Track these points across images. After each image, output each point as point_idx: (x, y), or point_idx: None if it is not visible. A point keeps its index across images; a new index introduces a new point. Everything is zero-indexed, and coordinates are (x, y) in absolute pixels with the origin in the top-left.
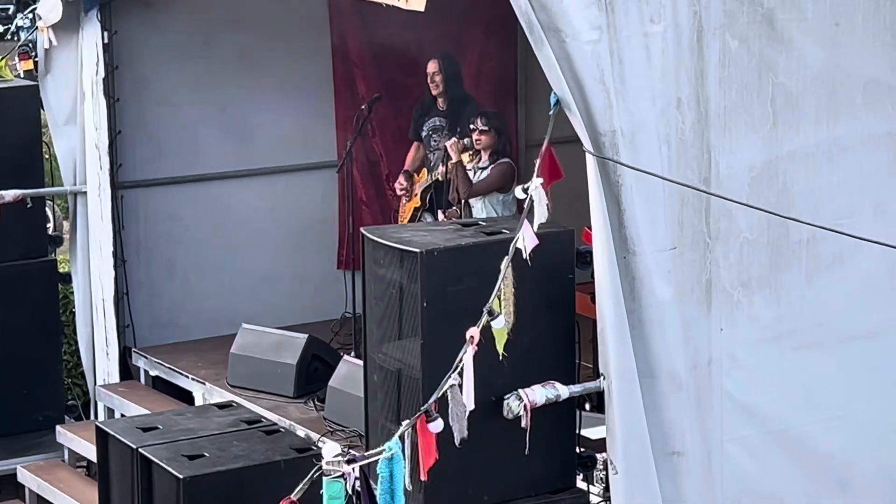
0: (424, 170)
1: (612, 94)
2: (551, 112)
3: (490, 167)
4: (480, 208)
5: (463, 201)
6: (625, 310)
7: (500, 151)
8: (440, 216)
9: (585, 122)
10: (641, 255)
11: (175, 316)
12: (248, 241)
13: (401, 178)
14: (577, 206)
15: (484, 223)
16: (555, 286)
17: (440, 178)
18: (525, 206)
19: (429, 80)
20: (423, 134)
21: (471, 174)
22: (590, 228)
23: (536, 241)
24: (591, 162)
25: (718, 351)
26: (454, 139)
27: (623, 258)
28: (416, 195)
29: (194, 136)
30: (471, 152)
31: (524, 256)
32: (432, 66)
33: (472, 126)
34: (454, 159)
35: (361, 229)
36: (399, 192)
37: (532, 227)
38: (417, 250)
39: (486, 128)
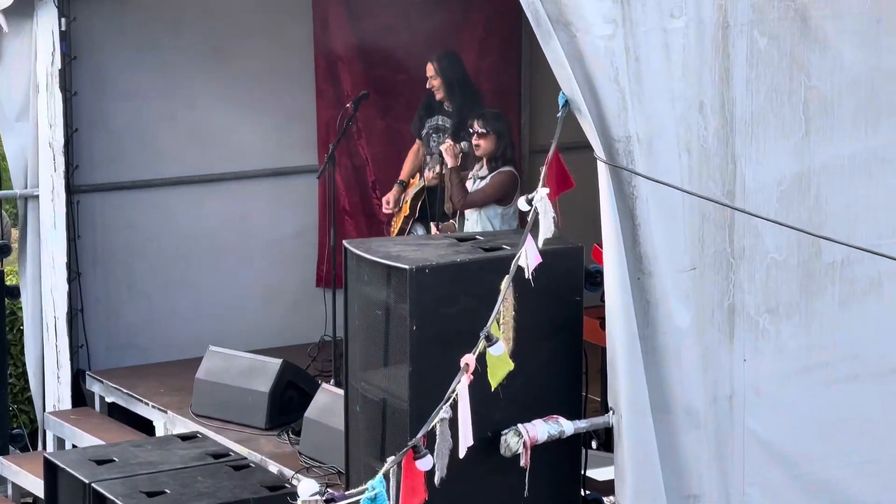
0: (416, 175)
1: (626, 95)
2: (559, 114)
3: (489, 175)
4: (475, 221)
5: (458, 213)
6: (638, 337)
7: (500, 158)
8: (433, 229)
9: (597, 127)
10: (657, 275)
11: (134, 336)
12: (217, 253)
13: (391, 194)
14: (587, 221)
15: (482, 238)
16: (560, 309)
17: (431, 183)
18: (529, 219)
19: (431, 83)
20: (424, 133)
21: (469, 183)
22: (600, 245)
23: (540, 259)
24: (602, 171)
25: (741, 384)
26: (449, 142)
27: (637, 279)
28: (405, 202)
29: (159, 136)
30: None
31: (527, 275)
32: (428, 70)
33: (469, 129)
34: (450, 164)
35: (344, 242)
36: (385, 211)
37: (536, 242)
38: (406, 266)
39: (484, 131)
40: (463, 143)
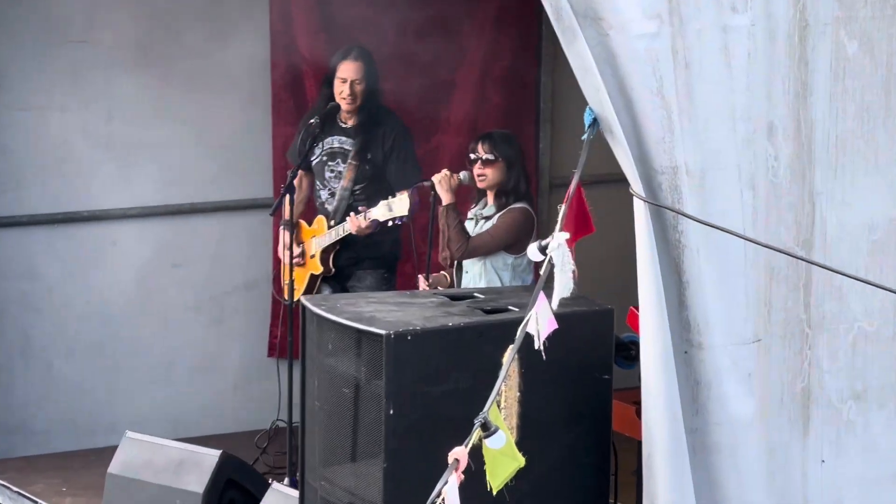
0: (320, 217)
1: (673, 112)
2: (585, 136)
3: (497, 215)
4: (478, 274)
5: (455, 263)
6: (684, 429)
7: (511, 192)
8: (421, 283)
9: (634, 153)
10: (710, 348)
11: (30, 417)
12: (140, 311)
13: (283, 237)
14: (620, 275)
15: (482, 295)
16: (583, 391)
17: (363, 232)
18: (542, 272)
19: (341, 88)
20: (314, 161)
21: (470, 225)
22: (636, 307)
23: (556, 325)
24: (640, 211)
25: (817, 491)
26: (445, 172)
27: (684, 353)
28: (312, 256)
29: (68, 157)
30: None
31: (537, 346)
32: (350, 70)
33: (471, 154)
34: (445, 201)
35: (302, 298)
36: (288, 261)
37: (550, 303)
38: (383, 332)
39: (491, 156)
40: (462, 174)
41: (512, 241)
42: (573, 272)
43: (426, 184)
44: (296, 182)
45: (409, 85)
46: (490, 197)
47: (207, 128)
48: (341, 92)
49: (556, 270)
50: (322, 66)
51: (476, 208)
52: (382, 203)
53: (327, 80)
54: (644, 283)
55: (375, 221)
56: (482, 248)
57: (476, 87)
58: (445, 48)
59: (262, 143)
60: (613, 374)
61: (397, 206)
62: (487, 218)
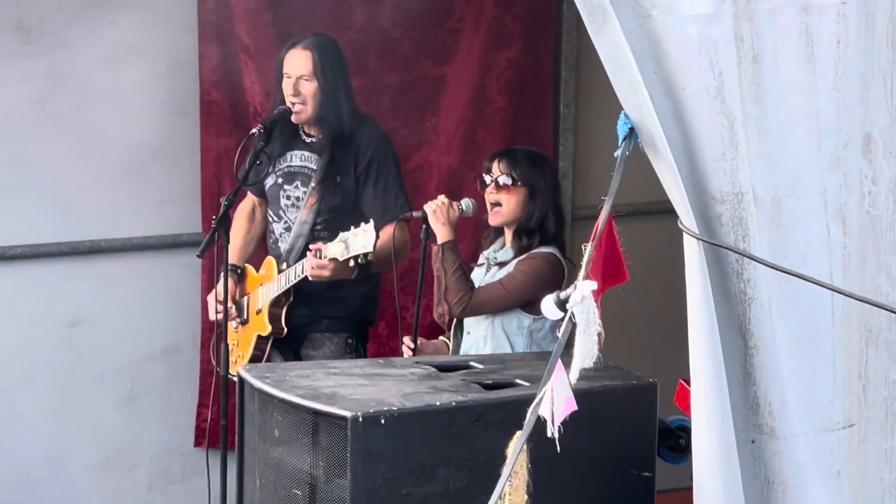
0: (270, 260)
1: (737, 120)
2: (618, 152)
3: (515, 260)
4: (483, 337)
5: (454, 321)
6: None
7: (535, 231)
8: (405, 349)
9: (684, 175)
10: (786, 437)
11: None
12: (22, 384)
13: (222, 287)
14: (664, 338)
15: (481, 365)
16: (615, 494)
17: (317, 276)
18: (560, 333)
19: (287, 90)
20: (269, 184)
21: (479, 273)
22: (687, 381)
23: (575, 406)
24: (692, 252)
25: None
26: (441, 199)
27: (750, 442)
28: (258, 312)
29: None
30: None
31: (550, 433)
32: (296, 62)
33: (484, 174)
34: (441, 238)
35: (240, 369)
36: (223, 318)
37: (570, 376)
38: (347, 414)
39: (509, 179)
40: (464, 202)
41: (531, 296)
42: (599, 334)
43: (415, 215)
44: (244, 210)
45: (381, 83)
46: (508, 236)
47: (113, 140)
48: (287, 92)
49: (577, 332)
50: (268, 58)
51: (490, 250)
52: (341, 236)
53: (277, 77)
54: (698, 348)
55: (335, 262)
56: (491, 304)
57: (473, 85)
58: (432, 34)
59: (188, 161)
60: (657, 471)
61: (358, 241)
62: (502, 264)
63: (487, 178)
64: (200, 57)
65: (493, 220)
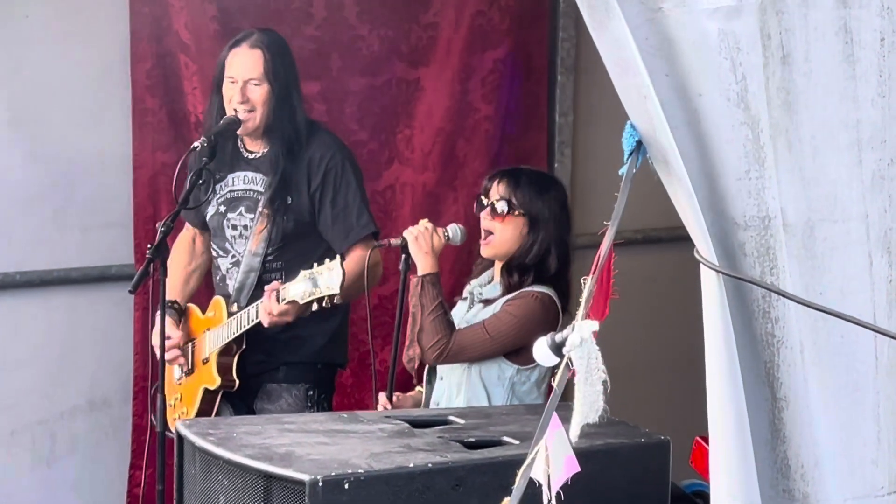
0: (218, 300)
1: (764, 132)
2: (623, 169)
3: (503, 300)
4: (457, 385)
5: (427, 370)
6: None
7: (532, 268)
8: (381, 403)
9: (702, 196)
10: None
11: None
12: None
13: (168, 329)
14: (679, 387)
15: (461, 420)
16: None
17: (276, 320)
18: (555, 382)
19: (231, 93)
20: (210, 213)
21: (459, 309)
22: (705, 439)
23: (577, 467)
24: (711, 286)
25: None
26: (424, 224)
27: None
28: (205, 361)
29: None
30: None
31: (547, 500)
32: (243, 63)
33: (482, 196)
34: (422, 269)
35: (178, 424)
36: (172, 361)
37: (569, 432)
38: (305, 477)
39: (505, 204)
40: (450, 228)
41: (518, 343)
42: (604, 383)
43: (393, 242)
44: (183, 240)
45: (345, 87)
46: (496, 270)
47: (28, 156)
48: (231, 99)
49: (578, 380)
50: (209, 56)
51: (474, 283)
52: (303, 274)
53: (216, 81)
54: (717, 399)
55: (296, 305)
56: (471, 351)
57: (453, 91)
58: (405, 30)
59: (117, 179)
60: None
61: (322, 280)
62: (488, 302)
63: (484, 201)
64: (132, 57)
65: (485, 250)
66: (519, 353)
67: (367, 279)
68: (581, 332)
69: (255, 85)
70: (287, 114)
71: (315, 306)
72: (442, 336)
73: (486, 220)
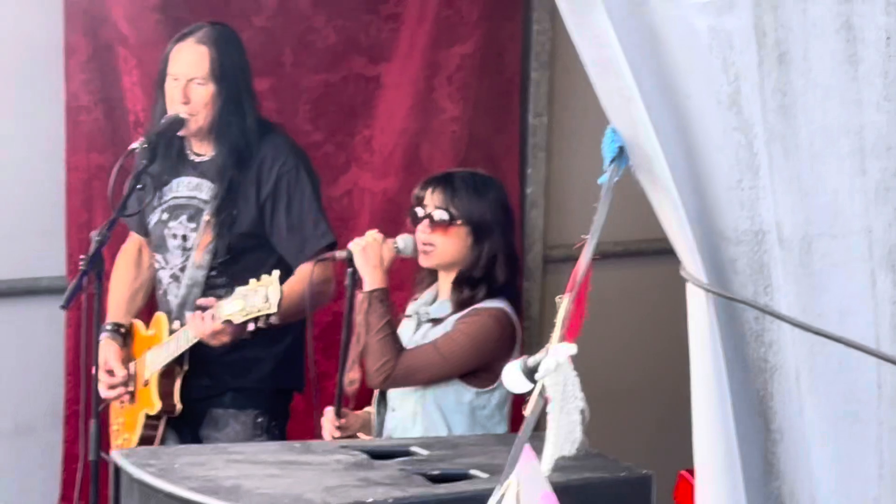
0: (159, 317)
1: (758, 138)
2: (604, 178)
3: (453, 317)
4: (412, 415)
5: (378, 395)
6: None
7: (481, 281)
8: (328, 425)
9: (690, 208)
10: None
11: None
12: None
13: (106, 353)
14: (662, 415)
15: (424, 451)
16: None
17: (217, 339)
18: (527, 410)
19: (173, 91)
20: (153, 221)
21: (407, 328)
22: (690, 472)
23: (553, 501)
24: (699, 306)
25: None
26: (372, 235)
27: None
28: (146, 383)
29: None
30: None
31: None
32: (187, 60)
33: (416, 207)
34: (369, 284)
35: (112, 453)
36: (109, 393)
37: (543, 464)
38: None
39: (446, 215)
40: (400, 239)
41: (474, 364)
42: (582, 411)
43: (338, 255)
44: (129, 252)
45: (298, 84)
46: (443, 285)
47: None
48: (172, 99)
49: (552, 408)
50: (151, 47)
51: (419, 301)
52: (239, 291)
53: (160, 78)
54: (704, 430)
55: (230, 324)
56: (422, 374)
57: (417, 88)
58: (364, 22)
59: (49, 184)
60: None
61: (258, 298)
62: (436, 321)
63: (419, 211)
64: (66, 48)
65: (425, 260)
66: (476, 374)
67: (308, 297)
68: (556, 356)
69: (199, 85)
70: (236, 117)
71: (252, 326)
72: (389, 358)
73: (424, 234)
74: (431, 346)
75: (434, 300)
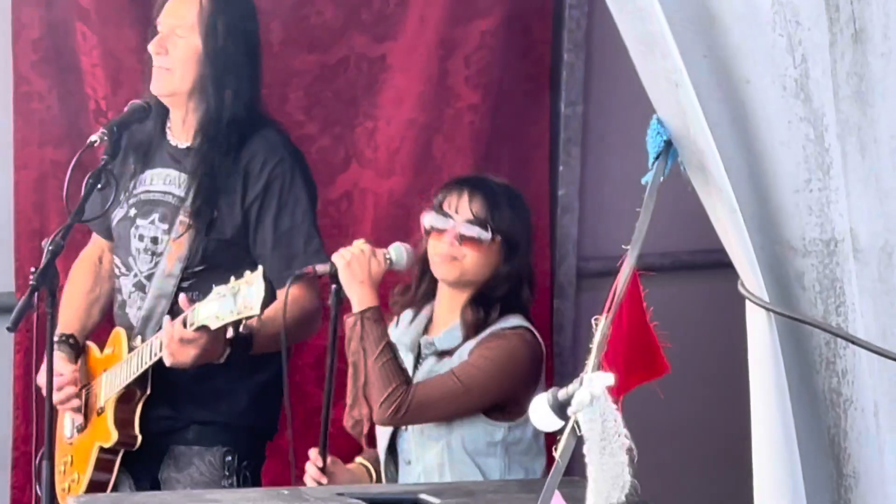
0: (118, 332)
1: (829, 131)
2: (648, 177)
3: (467, 345)
4: (437, 466)
5: (383, 453)
6: None
7: (502, 299)
8: (312, 469)
9: (749, 213)
10: None
11: None
12: None
13: (61, 373)
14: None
15: (436, 500)
16: None
17: (177, 360)
18: (558, 451)
19: (151, 47)
20: (117, 218)
21: (411, 360)
22: None
23: None
24: (761, 327)
25: None
26: (359, 246)
27: None
28: (101, 411)
29: None
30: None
31: None
32: (177, 11)
33: (434, 211)
34: (358, 305)
35: (69, 499)
36: (57, 395)
37: None
38: None
39: (486, 230)
40: (394, 249)
41: (501, 393)
42: (630, 450)
43: (319, 269)
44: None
45: (289, 67)
46: (450, 303)
47: None
48: (150, 50)
49: (590, 450)
50: (123, 26)
51: (410, 329)
52: (217, 291)
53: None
54: (766, 474)
55: (207, 333)
56: (440, 405)
57: (430, 72)
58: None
59: None
60: None
61: (239, 298)
62: (447, 353)
63: (446, 222)
64: (14, 24)
65: (448, 271)
66: (505, 408)
67: (283, 322)
68: (591, 388)
69: (180, 37)
70: (226, 93)
71: (230, 333)
72: (397, 385)
73: (451, 246)
74: (449, 375)
75: (428, 324)
